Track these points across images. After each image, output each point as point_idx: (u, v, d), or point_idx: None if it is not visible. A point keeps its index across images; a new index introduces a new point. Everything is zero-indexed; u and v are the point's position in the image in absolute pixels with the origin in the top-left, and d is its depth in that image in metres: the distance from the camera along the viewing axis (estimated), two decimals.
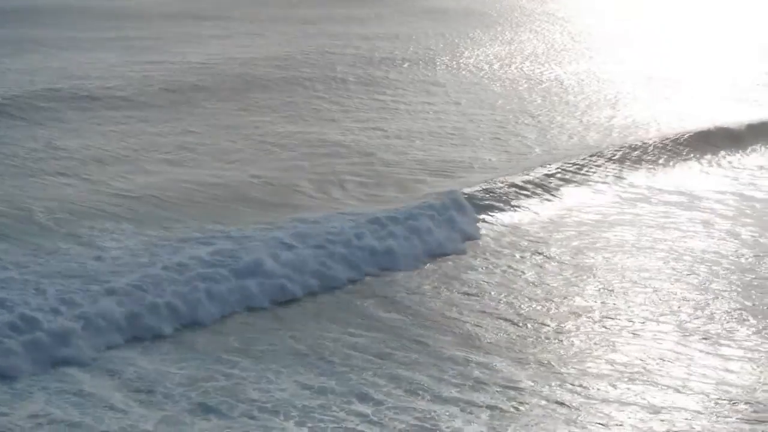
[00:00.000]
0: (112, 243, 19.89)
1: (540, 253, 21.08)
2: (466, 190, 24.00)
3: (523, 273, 20.01)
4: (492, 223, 22.86)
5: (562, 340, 17.04)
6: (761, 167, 28.68)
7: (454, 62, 42.81)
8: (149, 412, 13.98)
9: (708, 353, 16.68)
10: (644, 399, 15.01)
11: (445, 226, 21.89)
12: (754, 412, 14.71)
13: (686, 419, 14.46)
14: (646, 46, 48.98)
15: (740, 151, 29.93)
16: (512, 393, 15.02)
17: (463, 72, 40.90)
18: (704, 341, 17.12)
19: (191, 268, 18.38)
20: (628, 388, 15.35)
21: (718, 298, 19.01)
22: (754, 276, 20.20)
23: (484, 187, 24.51)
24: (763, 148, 30.41)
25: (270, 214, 22.24)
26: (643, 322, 17.84)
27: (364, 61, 42.03)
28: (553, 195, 25.01)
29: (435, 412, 14.33)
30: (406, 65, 41.60)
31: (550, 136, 30.63)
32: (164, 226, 21.13)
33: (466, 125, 31.56)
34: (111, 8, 56.21)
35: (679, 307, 18.56)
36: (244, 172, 25.65)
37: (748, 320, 18.01)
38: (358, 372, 15.44)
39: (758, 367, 16.21)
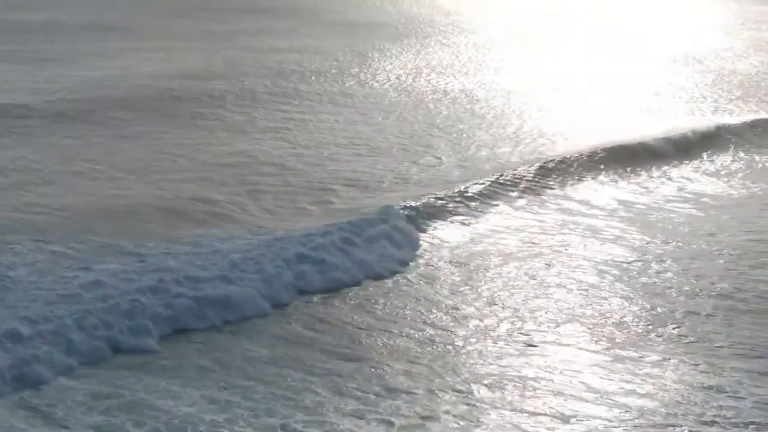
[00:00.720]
0: (15, 259, 19.49)
1: (467, 267, 20.93)
2: (401, 205, 23.78)
3: (447, 288, 19.88)
4: (427, 240, 22.58)
5: (469, 352, 17.04)
6: (664, 175, 28.99)
7: (363, 75, 42.83)
8: (51, 431, 13.73)
9: (615, 361, 16.78)
10: (553, 408, 15.05)
11: (382, 243, 21.47)
12: (663, 418, 14.83)
13: (596, 428, 14.52)
14: (551, 58, 49.43)
15: (649, 162, 30.10)
16: (420, 405, 14.98)
17: (372, 84, 40.93)
18: (611, 349, 17.23)
19: (108, 288, 17.93)
20: (537, 398, 15.38)
21: (622, 306, 19.17)
22: (656, 282, 20.43)
23: (417, 203, 24.25)
24: (671, 159, 30.64)
25: (179, 230, 21.94)
26: (551, 332, 17.92)
27: (273, 73, 41.90)
28: (480, 210, 24.82)
29: (342, 425, 14.25)
30: (313, 78, 41.56)
31: (460, 148, 30.66)
32: (69, 241, 20.77)
33: (375, 137, 31.54)
34: (19, 21, 55.50)
35: (585, 315, 18.68)
36: (151, 185, 25.37)
37: (653, 327, 18.19)
38: (264, 386, 15.30)
39: (665, 372, 16.36)
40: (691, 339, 17.74)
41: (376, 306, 18.82)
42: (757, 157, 31.44)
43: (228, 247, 20.61)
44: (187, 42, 50.21)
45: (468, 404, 15.09)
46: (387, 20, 62.00)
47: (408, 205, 23.93)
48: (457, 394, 15.38)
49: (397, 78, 42.31)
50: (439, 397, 15.26)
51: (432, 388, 15.55)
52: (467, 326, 18.05)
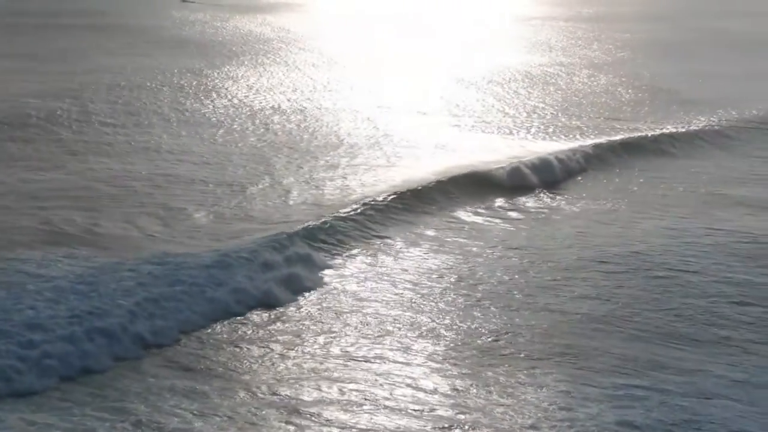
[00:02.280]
0: None
1: (326, 295, 20.74)
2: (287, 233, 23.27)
3: (301, 317, 19.67)
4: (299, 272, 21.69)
5: (303, 370, 17.19)
6: (513, 200, 28.91)
7: (198, 92, 42.63)
8: None
9: (439, 374, 17.08)
10: (374, 423, 15.25)
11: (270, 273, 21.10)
12: (487, 428, 15.19)
13: None
14: (383, 79, 49.91)
15: (496, 187, 29.81)
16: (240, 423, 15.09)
17: (208, 102, 40.72)
18: (429, 365, 17.52)
19: None
20: (362, 413, 15.54)
21: (456, 321, 19.47)
22: (486, 298, 20.86)
23: (289, 230, 23.74)
24: (524, 183, 30.32)
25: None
26: (381, 347, 18.14)
27: (105, 91, 41.47)
28: (344, 238, 24.23)
29: None
30: (145, 94, 41.22)
31: (300, 170, 30.27)
32: None
33: (209, 155, 31.29)
34: None
35: (409, 334, 18.89)
36: None
37: (474, 340, 18.54)
38: (80, 407, 15.18)
39: (485, 384, 16.71)
40: (511, 351, 18.12)
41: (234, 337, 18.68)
42: (599, 176, 32.15)
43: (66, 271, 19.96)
44: (16, 61, 49.34)
45: (296, 423, 15.25)
46: (219, 38, 61.83)
47: (281, 233, 23.30)
48: (284, 415, 15.51)
49: (234, 96, 42.21)
50: (258, 415, 15.42)
51: (258, 408, 15.69)
52: (303, 348, 18.14)
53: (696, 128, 39.51)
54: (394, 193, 27.55)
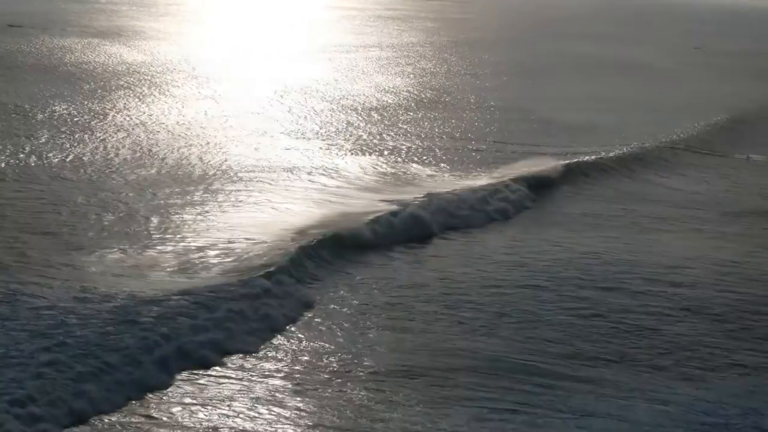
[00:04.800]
0: None
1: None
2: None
3: None
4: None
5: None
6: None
7: (76, 119, 42.04)
8: None
9: (297, 396, 17.65)
10: None
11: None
12: None
13: None
14: (268, 102, 49.87)
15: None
16: None
17: (87, 129, 40.09)
18: (287, 386, 18.09)
19: None
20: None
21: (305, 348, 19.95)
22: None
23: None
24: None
25: None
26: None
27: None
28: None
29: None
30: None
31: (198, 203, 29.69)
32: None
33: (96, 187, 30.90)
34: None
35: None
36: None
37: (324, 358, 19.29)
38: None
39: (339, 405, 17.33)
40: (368, 370, 18.78)
41: None
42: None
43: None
44: None
45: None
46: (80, 65, 60.81)
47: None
48: None
49: (109, 123, 41.63)
50: None
51: None
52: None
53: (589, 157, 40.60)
54: (309, 240, 26.23)
